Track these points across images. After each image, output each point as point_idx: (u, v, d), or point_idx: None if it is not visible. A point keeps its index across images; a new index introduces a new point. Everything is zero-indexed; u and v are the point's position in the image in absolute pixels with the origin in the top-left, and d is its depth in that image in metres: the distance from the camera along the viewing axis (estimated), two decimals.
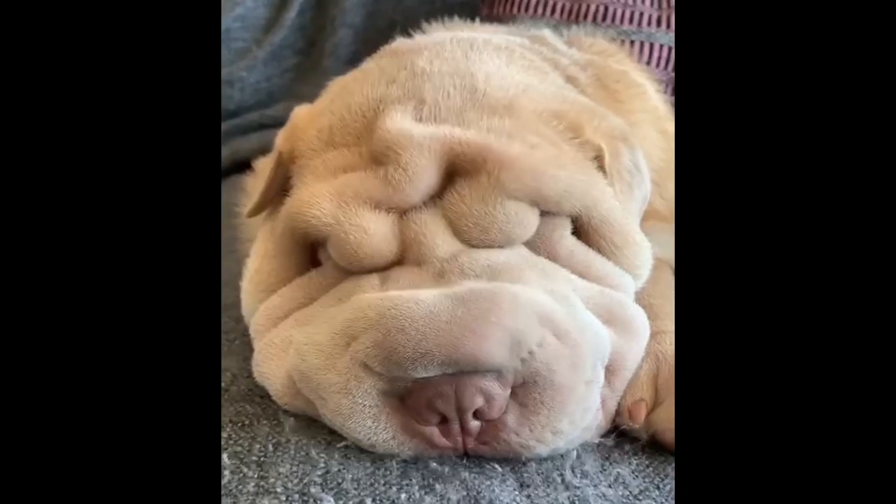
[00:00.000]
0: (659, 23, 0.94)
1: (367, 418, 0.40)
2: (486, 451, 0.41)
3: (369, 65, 0.54)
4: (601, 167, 0.47)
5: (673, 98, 0.90)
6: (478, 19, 0.67)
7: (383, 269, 0.44)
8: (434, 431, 0.40)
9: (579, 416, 0.41)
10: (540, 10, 0.95)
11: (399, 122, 0.44)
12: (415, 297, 0.39)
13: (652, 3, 0.95)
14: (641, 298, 0.49)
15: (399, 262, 0.44)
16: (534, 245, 0.44)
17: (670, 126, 0.60)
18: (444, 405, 0.39)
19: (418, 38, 0.56)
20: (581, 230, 0.46)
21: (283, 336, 0.45)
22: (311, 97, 0.56)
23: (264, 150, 0.56)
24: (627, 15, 0.94)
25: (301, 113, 0.52)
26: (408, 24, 0.70)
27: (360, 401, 0.40)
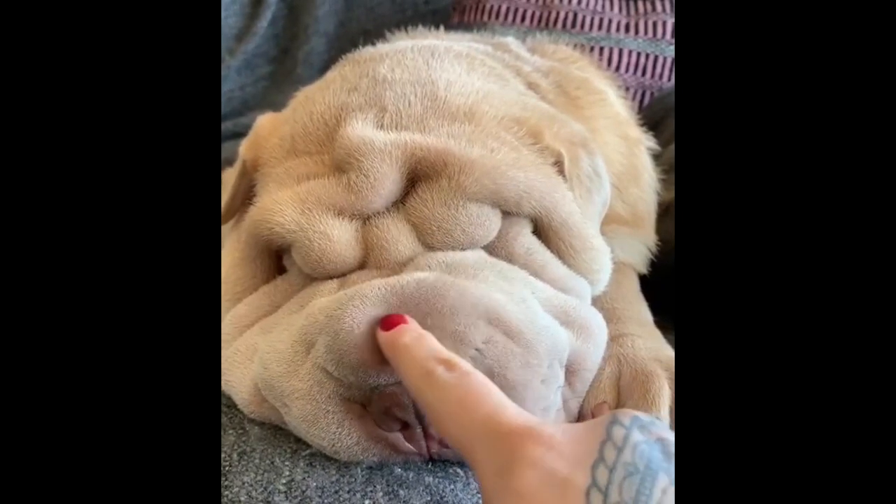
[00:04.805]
0: (627, 29, 0.95)
1: (332, 424, 0.39)
2: (450, 455, 0.41)
3: (332, 73, 0.54)
4: (561, 172, 0.47)
5: (637, 103, 0.91)
6: (442, 27, 0.67)
7: (346, 274, 0.44)
8: (398, 437, 0.40)
9: (539, 414, 0.41)
10: (510, 17, 0.96)
11: (360, 130, 0.44)
12: (360, 293, 0.39)
13: (620, 10, 0.97)
14: (603, 302, 0.50)
15: (362, 267, 0.44)
16: (491, 246, 0.45)
17: (631, 131, 0.61)
18: (403, 413, 0.39)
19: (380, 47, 0.56)
20: (541, 233, 0.46)
21: (248, 344, 0.45)
22: (284, 106, 0.56)
23: None
24: (596, 21, 0.95)
25: (264, 121, 0.52)
26: (380, 33, 0.71)
27: (325, 406, 0.39)
